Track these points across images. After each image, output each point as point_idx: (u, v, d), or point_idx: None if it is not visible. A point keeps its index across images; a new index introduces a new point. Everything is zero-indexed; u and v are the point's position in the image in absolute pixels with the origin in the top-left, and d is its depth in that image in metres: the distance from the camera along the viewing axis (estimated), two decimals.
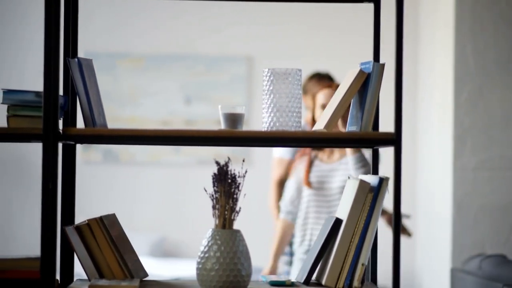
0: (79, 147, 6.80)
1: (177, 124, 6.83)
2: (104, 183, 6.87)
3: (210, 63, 6.90)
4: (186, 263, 6.22)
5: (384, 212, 5.05)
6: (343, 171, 4.18)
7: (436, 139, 6.16)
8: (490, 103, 5.74)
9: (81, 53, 7.00)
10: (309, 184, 4.22)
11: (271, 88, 2.43)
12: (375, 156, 2.62)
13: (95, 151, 6.82)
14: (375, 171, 2.62)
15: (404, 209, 5.27)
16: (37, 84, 6.09)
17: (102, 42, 6.92)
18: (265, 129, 2.36)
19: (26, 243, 6.79)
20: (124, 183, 6.90)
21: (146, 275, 2.60)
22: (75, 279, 2.62)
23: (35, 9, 6.82)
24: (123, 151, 6.84)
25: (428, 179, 6.24)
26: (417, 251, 6.55)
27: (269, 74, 2.45)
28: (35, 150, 6.52)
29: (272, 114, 2.42)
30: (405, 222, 5.19)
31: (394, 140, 2.29)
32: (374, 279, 2.61)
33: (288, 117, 2.42)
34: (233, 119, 2.36)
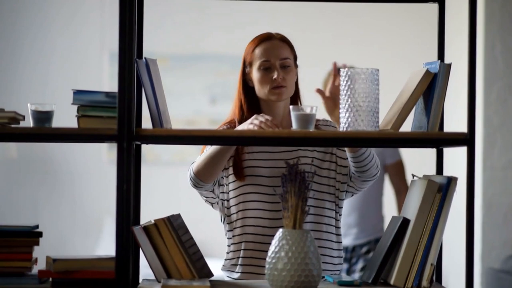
0: (104, 146, 6.82)
1: (202, 124, 6.83)
2: None
3: (235, 62, 6.89)
4: (211, 262, 6.22)
5: None
6: None
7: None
8: None
9: (106, 53, 7.04)
10: None
11: (348, 88, 2.40)
12: (440, 156, 2.62)
13: None
14: (439, 171, 2.62)
15: None
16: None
17: None
18: (343, 129, 2.34)
19: (51, 242, 6.78)
20: (149, 183, 6.89)
21: (212, 275, 2.61)
22: (140, 279, 2.62)
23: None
24: (148, 151, 6.83)
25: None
26: (445, 250, 6.53)
27: (347, 74, 2.41)
28: (60, 150, 6.52)
29: (349, 114, 2.38)
30: None
31: (468, 140, 2.29)
32: (439, 279, 2.62)
33: (366, 117, 2.38)
34: (305, 119, 2.35)
